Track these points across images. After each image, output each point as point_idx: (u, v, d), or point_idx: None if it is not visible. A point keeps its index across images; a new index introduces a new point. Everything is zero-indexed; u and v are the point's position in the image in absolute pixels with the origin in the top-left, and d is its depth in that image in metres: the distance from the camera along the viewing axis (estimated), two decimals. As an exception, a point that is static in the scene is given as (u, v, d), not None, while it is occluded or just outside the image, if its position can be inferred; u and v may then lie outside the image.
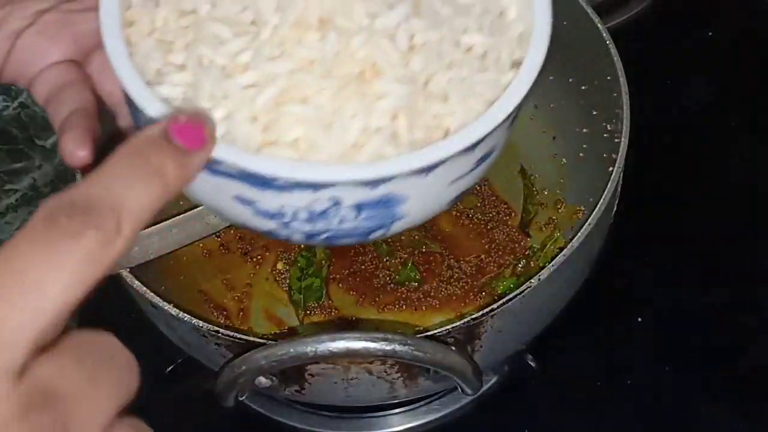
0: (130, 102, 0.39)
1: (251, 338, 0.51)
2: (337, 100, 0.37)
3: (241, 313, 0.65)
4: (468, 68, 0.39)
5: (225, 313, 0.65)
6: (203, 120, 0.33)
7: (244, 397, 0.55)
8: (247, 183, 0.37)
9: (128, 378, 0.28)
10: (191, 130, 0.32)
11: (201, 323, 0.52)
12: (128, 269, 0.55)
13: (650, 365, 0.67)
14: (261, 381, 0.53)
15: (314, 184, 0.36)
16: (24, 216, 0.81)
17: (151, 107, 0.37)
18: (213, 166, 0.36)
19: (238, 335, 0.51)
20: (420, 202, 0.40)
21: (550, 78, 0.68)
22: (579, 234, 0.53)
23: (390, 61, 0.38)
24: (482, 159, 0.41)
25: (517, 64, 0.41)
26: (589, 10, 0.61)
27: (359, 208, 0.38)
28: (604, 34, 0.60)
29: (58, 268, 0.26)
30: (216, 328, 0.51)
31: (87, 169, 0.44)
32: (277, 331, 0.64)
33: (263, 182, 0.36)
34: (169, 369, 0.67)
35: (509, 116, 0.39)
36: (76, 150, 0.42)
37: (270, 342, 0.50)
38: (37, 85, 0.46)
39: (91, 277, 0.27)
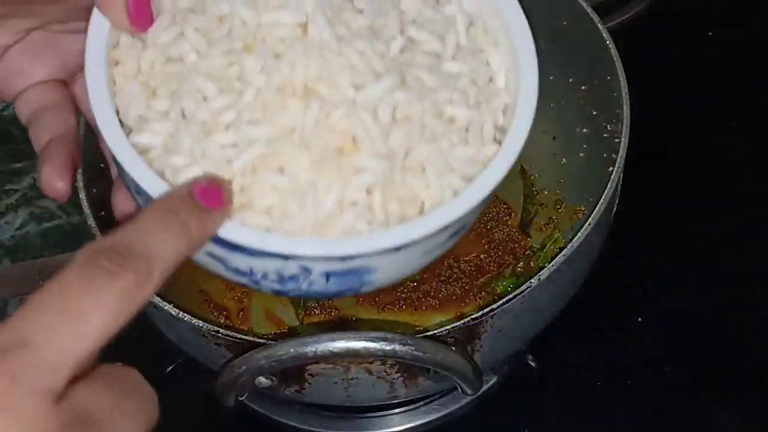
0: (115, 160, 0.39)
1: (251, 338, 0.51)
2: (314, 172, 0.37)
3: (241, 313, 0.65)
4: (448, 141, 0.39)
5: (225, 313, 0.65)
6: (222, 184, 0.37)
7: (244, 397, 0.55)
8: (218, 245, 0.37)
9: (150, 409, 0.31)
10: (212, 192, 0.36)
11: (201, 323, 0.52)
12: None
13: (650, 365, 0.67)
14: (261, 381, 0.53)
15: (283, 255, 0.37)
16: (24, 216, 0.81)
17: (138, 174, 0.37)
18: None
19: (238, 335, 0.51)
20: (390, 271, 0.40)
21: (550, 78, 0.68)
22: (579, 234, 0.53)
23: (370, 136, 0.38)
24: (455, 233, 0.41)
25: (501, 132, 0.41)
26: (589, 10, 0.61)
27: (328, 275, 0.39)
28: (604, 34, 0.60)
29: (99, 302, 0.29)
30: (216, 328, 0.51)
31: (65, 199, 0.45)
32: (277, 331, 0.64)
33: (233, 247, 0.37)
34: (169, 369, 0.67)
35: (485, 199, 0.39)
36: (55, 182, 0.44)
37: (270, 342, 0.50)
38: (20, 103, 0.46)
39: (126, 314, 0.30)
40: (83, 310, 0.29)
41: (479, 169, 0.40)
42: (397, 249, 0.38)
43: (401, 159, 0.38)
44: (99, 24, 0.40)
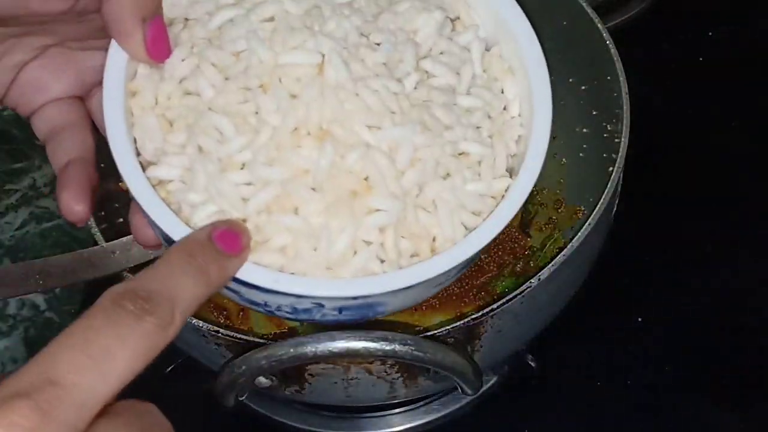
0: (132, 197, 0.39)
1: (251, 338, 0.51)
2: (327, 214, 0.38)
3: (241, 313, 0.65)
4: (461, 177, 0.40)
5: (225, 313, 0.65)
6: (241, 229, 0.38)
7: (244, 397, 0.55)
8: (233, 281, 0.38)
9: None
10: (231, 237, 0.37)
11: (201, 323, 0.52)
12: (128, 269, 0.55)
13: (650, 365, 0.67)
14: (261, 381, 0.53)
15: (296, 295, 0.38)
16: (24, 216, 0.81)
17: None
18: None
19: (238, 335, 0.51)
20: (400, 303, 0.41)
21: (551, 78, 0.68)
22: (579, 234, 0.53)
23: (383, 177, 0.38)
24: (466, 266, 0.41)
25: (514, 160, 0.41)
26: (589, 10, 0.61)
27: (341, 310, 0.39)
28: (604, 34, 0.60)
29: (124, 344, 0.31)
30: (216, 328, 0.51)
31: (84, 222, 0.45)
32: (277, 331, 0.64)
33: (247, 284, 0.38)
34: (169, 369, 0.67)
35: (495, 238, 0.39)
36: (73, 206, 0.44)
37: (270, 342, 0.50)
38: (37, 120, 0.46)
39: (149, 355, 0.31)
40: (110, 351, 0.30)
41: (491, 204, 0.40)
42: (409, 288, 0.38)
43: (413, 197, 0.39)
44: (117, 55, 0.40)
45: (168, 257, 0.35)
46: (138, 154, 0.40)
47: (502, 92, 0.43)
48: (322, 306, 0.39)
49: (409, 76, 0.40)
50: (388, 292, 0.38)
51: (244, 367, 0.50)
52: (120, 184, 0.59)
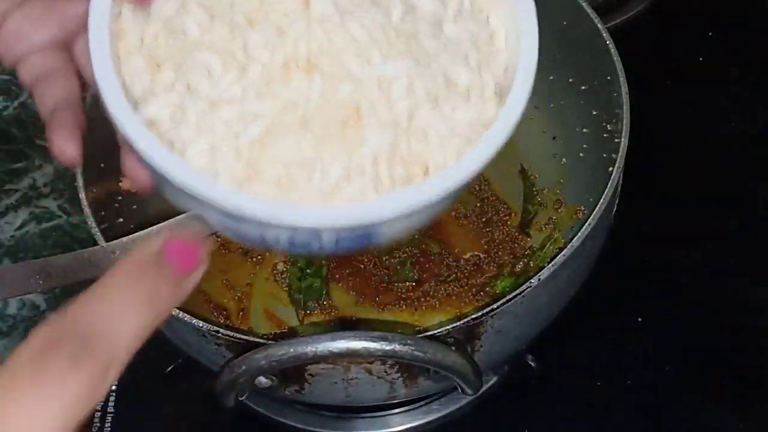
0: (122, 134, 0.39)
1: (251, 338, 0.51)
2: (319, 146, 0.37)
3: (241, 313, 0.65)
4: (450, 106, 0.40)
5: (225, 313, 0.65)
6: (199, 241, 0.33)
7: (244, 397, 0.55)
8: (227, 216, 0.37)
9: None
10: (187, 253, 0.32)
11: (201, 323, 0.52)
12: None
13: (650, 365, 0.67)
14: (261, 381, 0.53)
15: (293, 227, 0.37)
16: (24, 216, 0.81)
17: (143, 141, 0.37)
18: (196, 197, 0.36)
19: (238, 335, 0.51)
20: (397, 229, 0.40)
21: (550, 78, 0.68)
22: (579, 234, 0.53)
23: (374, 107, 0.38)
24: (460, 191, 0.41)
25: (502, 92, 0.41)
26: (589, 10, 0.61)
27: (338, 240, 0.39)
28: (604, 34, 0.60)
29: (49, 401, 0.26)
30: (216, 328, 0.51)
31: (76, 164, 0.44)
32: (277, 331, 0.64)
33: (242, 218, 0.37)
34: (169, 369, 0.67)
35: (488, 162, 0.39)
36: (66, 147, 0.43)
37: (270, 342, 0.50)
38: (22, 69, 0.47)
39: (87, 405, 0.27)
40: (34, 416, 0.26)
41: (482, 133, 0.40)
42: (406, 215, 0.38)
43: (405, 126, 0.39)
44: None
45: (113, 280, 0.30)
46: (126, 97, 0.40)
47: (488, 22, 0.43)
48: (319, 237, 0.38)
49: (395, 6, 0.41)
50: (384, 220, 0.37)
51: (244, 367, 0.50)
52: (120, 183, 0.59)
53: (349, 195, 0.38)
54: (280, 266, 0.67)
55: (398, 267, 0.66)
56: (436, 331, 0.51)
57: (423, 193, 0.38)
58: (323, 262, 0.66)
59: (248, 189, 0.37)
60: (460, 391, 0.54)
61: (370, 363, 0.52)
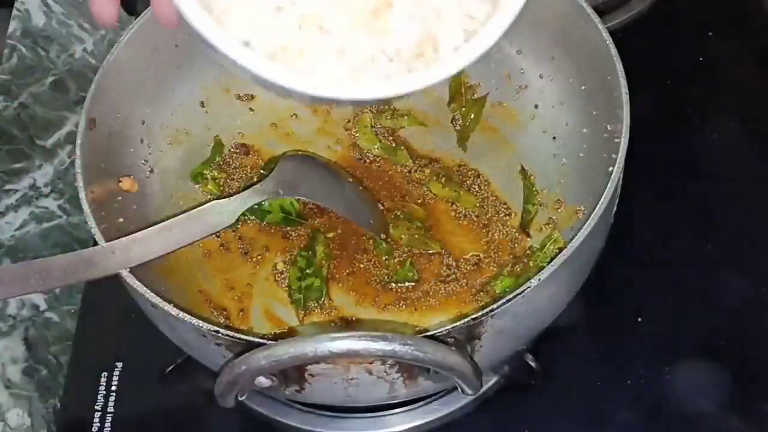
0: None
1: (251, 338, 0.51)
2: (351, 29, 0.41)
3: (241, 313, 0.65)
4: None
5: (225, 313, 0.65)
6: None
7: (244, 397, 0.55)
8: (259, 81, 0.41)
9: None
10: None
11: (201, 323, 0.52)
12: (128, 269, 0.55)
13: (650, 365, 0.67)
14: (261, 381, 0.53)
15: (320, 98, 0.41)
16: (24, 216, 0.81)
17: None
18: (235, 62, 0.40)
19: (238, 335, 0.51)
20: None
21: (550, 78, 0.68)
22: (579, 234, 0.53)
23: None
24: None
25: None
26: (589, 10, 0.61)
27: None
28: (604, 34, 0.60)
29: None
30: (216, 328, 0.51)
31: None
32: (277, 331, 0.64)
33: (282, 89, 0.41)
34: (169, 369, 0.67)
35: (494, 43, 0.42)
36: (105, 9, 0.45)
37: (270, 342, 0.50)
38: None
39: None
40: None
41: (489, 10, 0.42)
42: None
43: (431, 13, 0.42)
44: None
45: None
46: None
47: None
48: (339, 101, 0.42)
49: None
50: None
51: (244, 367, 0.50)
52: (120, 183, 0.59)
53: (373, 75, 0.41)
54: (280, 266, 0.67)
55: (398, 267, 0.66)
56: (436, 331, 0.51)
57: (439, 71, 0.41)
58: (323, 261, 0.66)
59: (287, 65, 0.41)
60: (460, 391, 0.54)
61: (370, 363, 0.52)
